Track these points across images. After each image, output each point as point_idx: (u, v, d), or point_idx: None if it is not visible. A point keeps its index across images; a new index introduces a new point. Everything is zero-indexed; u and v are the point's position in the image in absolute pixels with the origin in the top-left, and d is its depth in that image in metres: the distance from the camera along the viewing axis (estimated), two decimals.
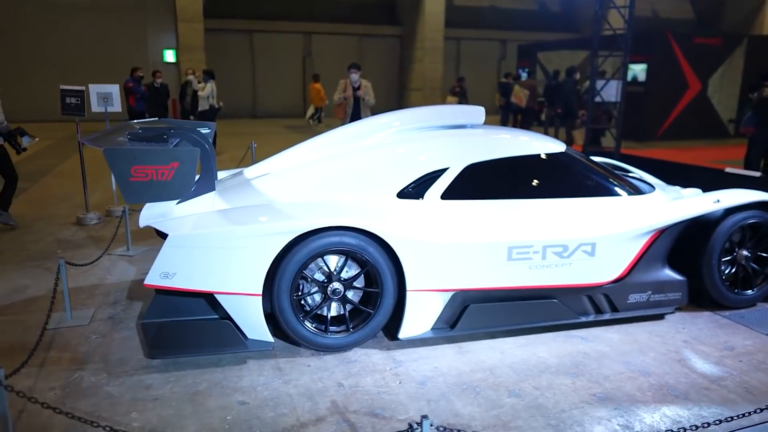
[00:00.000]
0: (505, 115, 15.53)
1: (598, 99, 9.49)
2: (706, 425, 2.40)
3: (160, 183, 2.89)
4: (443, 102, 18.86)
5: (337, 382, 3.02)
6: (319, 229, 3.13)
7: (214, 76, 12.47)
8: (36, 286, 4.40)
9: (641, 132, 14.71)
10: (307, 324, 3.25)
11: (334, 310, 3.36)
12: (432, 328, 3.43)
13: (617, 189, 3.85)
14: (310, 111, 18.13)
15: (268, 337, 3.23)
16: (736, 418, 2.52)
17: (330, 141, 3.97)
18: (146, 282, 3.06)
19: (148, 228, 3.36)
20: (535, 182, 3.76)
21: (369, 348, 3.38)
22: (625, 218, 3.66)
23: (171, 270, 3.04)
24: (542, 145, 3.87)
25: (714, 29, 25.77)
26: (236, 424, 2.66)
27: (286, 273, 3.14)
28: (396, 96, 23.93)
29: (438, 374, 3.11)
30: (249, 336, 3.22)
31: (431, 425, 1.98)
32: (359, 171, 3.63)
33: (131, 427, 2.62)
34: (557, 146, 3.90)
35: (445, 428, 2.06)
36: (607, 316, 3.70)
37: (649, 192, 3.96)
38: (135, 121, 4.14)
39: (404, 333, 3.37)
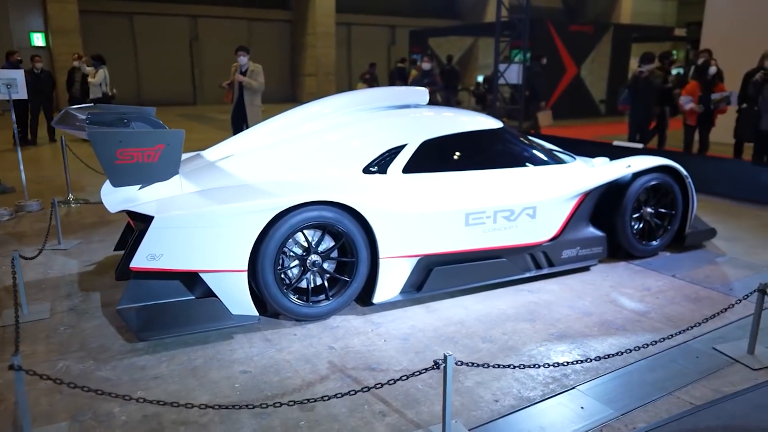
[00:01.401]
0: None
1: (501, 81, 10.23)
2: (645, 346, 2.92)
3: (147, 165, 2.90)
4: (351, 88, 19.05)
5: (327, 346, 3.24)
6: (297, 205, 3.30)
7: (105, 62, 11.76)
8: None
9: (527, 112, 15.92)
10: (291, 296, 3.42)
11: (313, 281, 3.55)
12: (401, 292, 3.74)
13: (548, 159, 4.37)
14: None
15: (254, 311, 3.36)
16: (665, 339, 3.08)
17: (287, 123, 4.11)
18: (132, 265, 3.07)
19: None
20: (482, 155, 4.16)
21: (346, 315, 3.62)
22: (558, 184, 4.18)
23: (158, 251, 3.07)
24: (484, 121, 4.28)
25: (579, 18, 28.12)
26: (247, 389, 2.81)
27: (269, 248, 3.28)
28: (289, 81, 23.75)
29: (416, 331, 3.43)
30: (233, 312, 3.32)
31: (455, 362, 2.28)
32: (324, 150, 3.82)
33: (140, 403, 2.67)
34: (496, 123, 4.33)
35: (463, 362, 2.37)
36: (545, 271, 4.21)
37: (572, 161, 4.53)
38: (75, 106, 3.99)
39: (378, 298, 3.64)
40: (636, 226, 4.58)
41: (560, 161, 4.43)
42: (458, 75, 15.72)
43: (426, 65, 11.36)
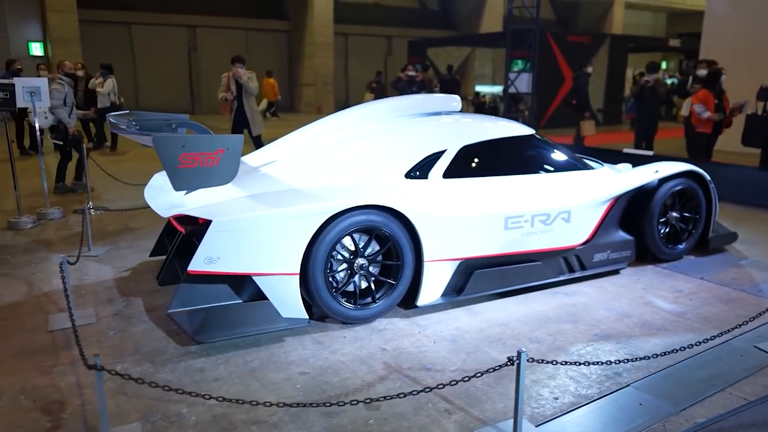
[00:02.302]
0: None
1: (512, 90, 10.39)
2: (690, 346, 3.00)
3: (207, 169, 2.95)
4: (349, 98, 19.18)
5: (379, 348, 3.29)
6: (347, 209, 3.36)
7: (113, 71, 11.78)
8: (8, 292, 4.13)
9: (527, 122, 16.12)
10: (340, 299, 3.47)
11: (360, 284, 3.60)
12: (442, 295, 3.80)
13: (579, 164, 4.47)
14: (263, 105, 17.86)
15: (304, 314, 3.41)
16: (709, 339, 3.16)
17: (325, 129, 4.18)
18: (190, 268, 3.11)
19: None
20: (517, 160, 4.25)
21: (391, 317, 3.67)
22: (590, 189, 4.28)
23: (215, 255, 3.12)
24: (517, 128, 4.37)
25: (571, 29, 28.52)
26: (309, 390, 2.85)
27: (320, 252, 3.34)
28: (287, 91, 23.82)
29: (462, 332, 3.49)
30: (284, 315, 3.36)
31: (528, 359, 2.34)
32: (367, 155, 3.89)
33: (207, 404, 2.71)
34: (528, 129, 4.43)
35: (534, 359, 2.44)
36: (578, 274, 4.30)
37: (600, 167, 4.63)
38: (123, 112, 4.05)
39: (422, 300, 3.70)
40: (662, 230, 4.68)
41: (589, 167, 4.53)
42: (458, 84, 15.87)
43: (411, 73, 11.33)
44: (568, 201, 4.13)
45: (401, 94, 10.47)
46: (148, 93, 21.12)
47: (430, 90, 11.41)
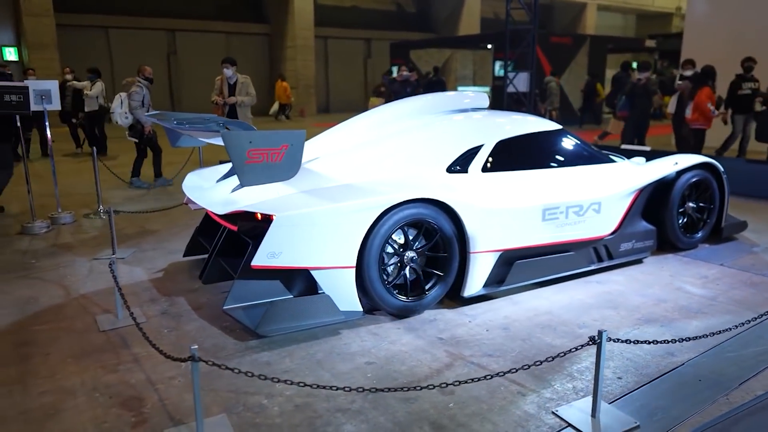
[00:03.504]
0: None
1: (511, 89, 10.59)
2: (734, 327, 3.15)
3: (272, 165, 2.99)
4: (330, 101, 19.21)
5: (436, 337, 3.37)
6: (399, 203, 3.43)
7: (100, 74, 11.63)
8: (45, 295, 4.08)
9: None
10: (392, 291, 3.54)
11: (408, 276, 3.67)
12: (484, 286, 3.89)
13: (604, 158, 4.62)
14: (275, 107, 18.16)
15: (359, 306, 3.47)
16: (747, 323, 3.31)
17: (361, 127, 4.25)
18: (253, 263, 3.14)
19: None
20: (549, 154, 4.38)
21: (438, 309, 3.75)
22: (618, 181, 4.43)
23: (278, 249, 3.15)
24: (546, 123, 4.51)
25: (547, 30, 29.04)
26: (380, 378, 2.91)
27: (375, 245, 3.40)
28: (266, 95, 23.69)
29: (511, 321, 3.59)
30: (340, 308, 3.42)
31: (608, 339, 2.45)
32: (409, 151, 3.97)
33: (285, 394, 2.75)
34: (556, 125, 4.56)
35: (617, 339, 2.54)
36: (606, 263, 4.44)
37: (622, 161, 4.80)
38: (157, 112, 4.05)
39: (467, 291, 3.79)
40: (681, 220, 4.87)
41: (613, 160, 4.69)
42: (444, 86, 16.05)
43: (405, 73, 11.46)
44: (599, 193, 4.28)
45: (396, 95, 10.57)
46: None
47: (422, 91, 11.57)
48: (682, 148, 9.33)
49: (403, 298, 3.57)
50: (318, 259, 3.27)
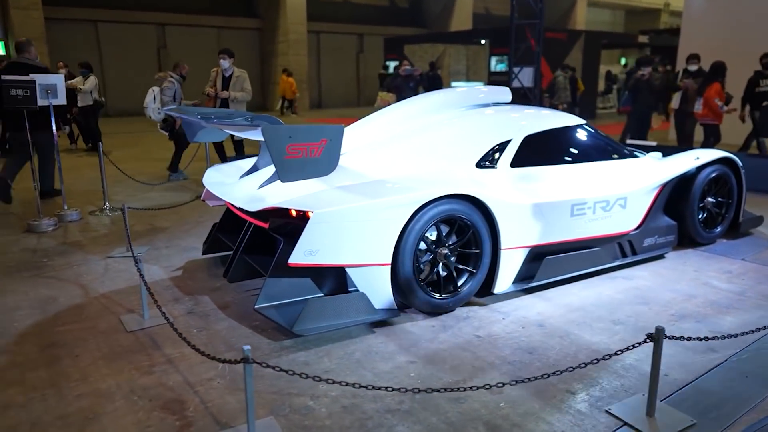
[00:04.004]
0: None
1: (516, 84, 10.57)
2: None
3: (311, 160, 2.92)
4: (323, 95, 19.10)
5: (472, 335, 3.32)
6: (434, 198, 3.38)
7: (92, 69, 11.42)
8: (64, 295, 3.98)
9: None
10: (426, 288, 3.48)
11: (441, 273, 3.62)
12: (513, 282, 3.86)
13: (627, 153, 4.60)
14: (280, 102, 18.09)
15: (394, 304, 3.41)
16: None
17: (386, 122, 4.19)
18: (290, 261, 3.06)
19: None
20: (575, 149, 4.35)
21: (469, 306, 3.70)
22: (642, 176, 4.42)
23: (315, 247, 3.08)
24: (570, 117, 4.47)
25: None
26: (425, 378, 2.86)
27: (409, 241, 3.34)
28: (259, 90, 23.49)
29: (545, 317, 3.56)
30: (376, 306, 3.36)
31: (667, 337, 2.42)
32: (438, 146, 3.92)
33: (330, 395, 2.69)
34: (579, 119, 4.53)
35: (672, 336, 2.51)
36: (630, 259, 4.43)
37: (644, 155, 4.78)
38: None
39: (498, 288, 3.75)
40: (701, 215, 4.87)
41: (635, 155, 4.67)
42: (441, 81, 15.99)
43: (407, 68, 11.25)
44: (625, 188, 4.25)
45: (399, 90, 10.49)
46: (116, 92, 20.45)
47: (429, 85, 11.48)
48: (684, 144, 9.37)
49: (436, 295, 3.52)
50: (354, 256, 3.21)
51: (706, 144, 8.63)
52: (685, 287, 4.04)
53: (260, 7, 22.99)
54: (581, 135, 4.43)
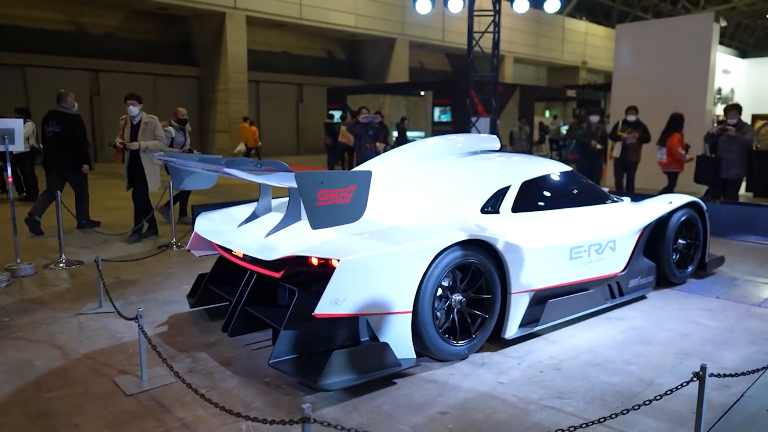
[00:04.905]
0: (333, 154, 16.30)
1: (474, 131, 10.90)
2: None
3: (341, 206, 2.84)
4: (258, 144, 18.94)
5: (496, 382, 3.27)
6: (451, 244, 3.37)
7: (30, 115, 10.84)
8: (40, 357, 3.61)
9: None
10: (443, 336, 3.42)
11: (451, 320, 3.57)
12: (519, 326, 3.87)
13: (611, 198, 4.81)
14: (240, 148, 17.37)
15: (413, 354, 3.32)
16: None
17: (387, 167, 4.19)
18: (317, 312, 2.93)
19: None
20: (567, 194, 4.49)
21: (479, 353, 3.65)
22: (627, 219, 4.61)
23: (341, 296, 2.97)
24: (557, 165, 4.64)
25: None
26: (463, 429, 2.77)
27: (428, 288, 3.30)
28: (198, 138, 23.02)
29: (559, 361, 3.57)
30: (397, 355, 3.25)
31: (709, 374, 2.47)
32: (442, 192, 3.94)
33: None
34: (566, 166, 4.71)
35: (715, 374, 2.57)
36: (618, 300, 4.56)
37: (623, 200, 5.00)
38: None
39: (508, 333, 3.74)
40: (674, 257, 5.12)
41: (616, 200, 4.88)
42: (387, 130, 16.30)
43: (367, 116, 11.27)
44: (613, 231, 4.42)
45: (358, 138, 10.57)
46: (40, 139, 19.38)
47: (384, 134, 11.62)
48: (620, 190, 9.93)
49: (454, 342, 3.46)
50: (379, 304, 3.12)
51: (668, 190, 9.17)
52: (677, 326, 4.19)
53: (199, 55, 22.79)
54: (570, 180, 4.60)
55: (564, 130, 19.99)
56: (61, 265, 5.83)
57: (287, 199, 4.18)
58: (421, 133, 19.67)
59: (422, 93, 21.09)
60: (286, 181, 2.97)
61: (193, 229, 4.25)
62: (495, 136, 4.80)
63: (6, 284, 5.16)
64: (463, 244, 3.44)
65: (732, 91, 15.68)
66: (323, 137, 17.00)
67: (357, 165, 13.61)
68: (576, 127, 11.39)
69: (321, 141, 22.86)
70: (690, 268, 5.26)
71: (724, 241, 7.16)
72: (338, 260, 2.96)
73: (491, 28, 12.54)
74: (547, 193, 4.35)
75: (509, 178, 4.15)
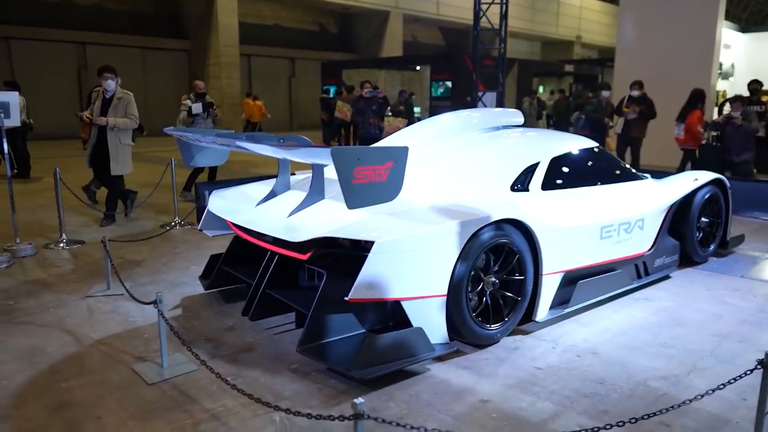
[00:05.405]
0: (330, 130, 15.98)
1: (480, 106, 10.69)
2: None
3: (377, 185, 2.65)
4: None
5: (533, 367, 3.14)
6: (486, 224, 3.21)
7: (19, 88, 10.42)
8: (51, 343, 3.43)
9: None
10: (477, 319, 3.28)
11: (484, 303, 3.43)
12: (549, 308, 3.73)
13: (638, 175, 4.65)
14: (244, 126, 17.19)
15: (446, 338, 3.18)
16: None
17: (411, 144, 3.99)
18: (351, 296, 2.77)
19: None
20: (595, 171, 4.33)
21: (511, 337, 3.52)
22: (655, 197, 4.47)
23: (375, 280, 2.81)
24: (585, 141, 4.46)
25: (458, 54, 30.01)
26: (509, 418, 2.64)
27: (463, 270, 3.14)
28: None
29: (593, 344, 3.45)
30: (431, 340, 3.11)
31: None
32: (471, 169, 3.76)
33: None
34: (593, 142, 4.53)
35: None
36: (644, 280, 4.44)
37: (648, 178, 4.85)
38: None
39: (540, 315, 3.61)
40: (698, 235, 5.00)
41: (642, 177, 4.73)
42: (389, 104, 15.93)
43: (370, 90, 11.03)
44: (642, 209, 4.28)
45: (361, 113, 10.32)
46: (35, 115, 18.86)
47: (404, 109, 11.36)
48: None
49: (487, 326, 3.33)
50: (413, 287, 2.96)
51: (683, 168, 9.02)
52: (707, 306, 4.09)
53: (189, 28, 22.20)
54: (597, 157, 4.44)
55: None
56: (62, 244, 5.61)
57: (305, 176, 4.00)
58: (417, 109, 19.38)
59: (418, 68, 20.73)
60: (314, 157, 2.78)
61: (205, 208, 4.05)
62: (517, 111, 4.60)
63: (6, 265, 4.94)
64: (497, 224, 3.28)
65: (732, 66, 15.53)
66: (319, 112, 16.67)
67: (357, 141, 13.41)
68: (563, 102, 11.25)
69: (314, 116, 22.50)
70: (712, 247, 5.15)
71: (737, 218, 7.06)
72: (372, 242, 2.79)
73: (498, 0, 12.19)
74: (576, 170, 4.19)
75: (538, 154, 3.97)
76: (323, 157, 2.68)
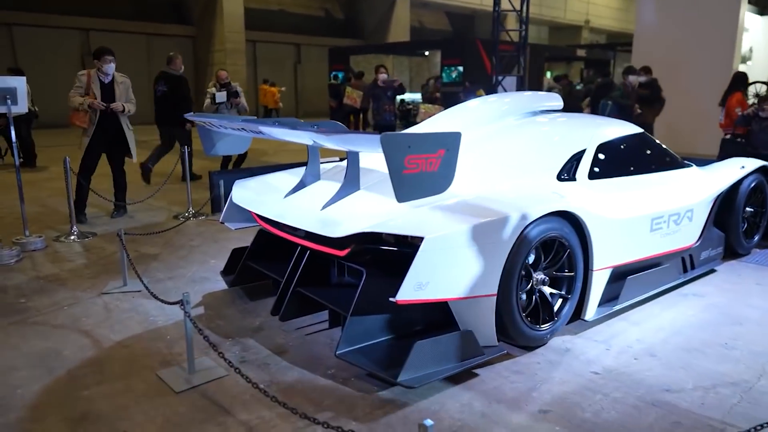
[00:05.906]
0: (338, 117, 15.68)
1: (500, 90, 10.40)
2: None
3: (428, 174, 2.40)
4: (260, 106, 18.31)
5: (589, 372, 2.91)
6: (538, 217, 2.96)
7: (24, 74, 10.15)
8: (68, 346, 3.20)
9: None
10: (527, 320, 3.04)
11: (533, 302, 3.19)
12: (598, 306, 3.49)
13: (684, 162, 4.38)
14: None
15: (495, 341, 2.94)
16: None
17: (448, 129, 3.73)
18: (399, 298, 2.53)
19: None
20: (642, 159, 4.06)
21: (559, 338, 3.28)
22: (703, 187, 4.21)
23: (425, 279, 2.57)
24: (630, 126, 4.18)
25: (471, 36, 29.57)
26: (573, 429, 2.41)
27: (514, 267, 2.90)
28: (195, 100, 22.19)
29: (649, 345, 3.20)
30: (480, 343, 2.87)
31: None
32: (514, 157, 3.50)
33: None
34: (637, 128, 4.25)
35: None
36: (690, 274, 4.19)
37: (692, 165, 4.58)
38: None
39: (589, 314, 3.37)
40: (743, 225, 4.74)
41: (687, 165, 4.46)
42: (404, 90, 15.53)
43: (384, 76, 10.68)
44: (691, 200, 4.02)
45: (376, 99, 10.02)
46: (38, 102, 18.59)
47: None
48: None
49: (536, 326, 3.09)
50: (463, 287, 2.72)
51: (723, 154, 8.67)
52: (761, 302, 3.84)
53: (194, 14, 21.82)
54: (644, 144, 4.16)
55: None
56: (73, 237, 5.38)
57: (334, 165, 3.76)
58: (416, 95, 19.03)
59: (426, 53, 20.36)
60: (356, 144, 2.52)
61: (220, 198, 3.81)
62: (556, 95, 4.33)
63: (16, 260, 4.72)
64: (548, 217, 3.03)
65: (750, 50, 15.13)
66: (327, 99, 16.33)
67: (372, 128, 13.08)
68: (566, 89, 11.02)
69: (320, 103, 22.21)
70: (756, 238, 4.89)
71: None
72: (422, 238, 2.55)
73: None
74: (623, 158, 3.92)
75: (584, 141, 3.71)
76: (369, 144, 2.43)
